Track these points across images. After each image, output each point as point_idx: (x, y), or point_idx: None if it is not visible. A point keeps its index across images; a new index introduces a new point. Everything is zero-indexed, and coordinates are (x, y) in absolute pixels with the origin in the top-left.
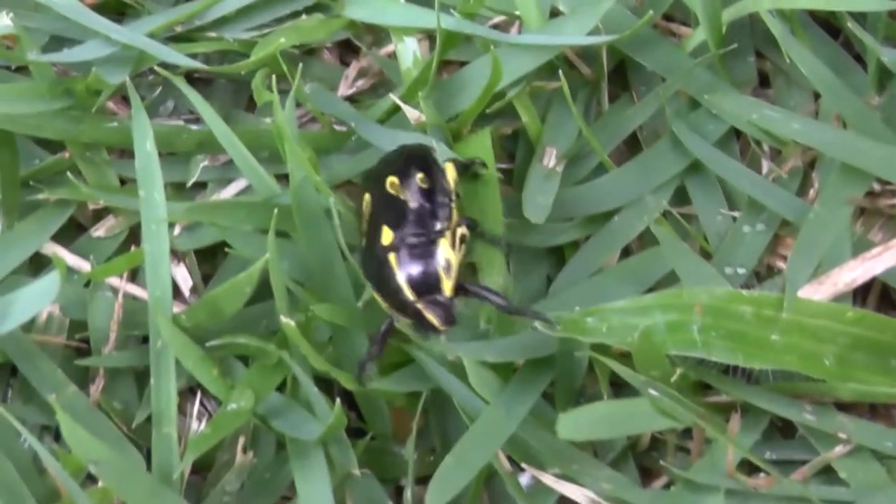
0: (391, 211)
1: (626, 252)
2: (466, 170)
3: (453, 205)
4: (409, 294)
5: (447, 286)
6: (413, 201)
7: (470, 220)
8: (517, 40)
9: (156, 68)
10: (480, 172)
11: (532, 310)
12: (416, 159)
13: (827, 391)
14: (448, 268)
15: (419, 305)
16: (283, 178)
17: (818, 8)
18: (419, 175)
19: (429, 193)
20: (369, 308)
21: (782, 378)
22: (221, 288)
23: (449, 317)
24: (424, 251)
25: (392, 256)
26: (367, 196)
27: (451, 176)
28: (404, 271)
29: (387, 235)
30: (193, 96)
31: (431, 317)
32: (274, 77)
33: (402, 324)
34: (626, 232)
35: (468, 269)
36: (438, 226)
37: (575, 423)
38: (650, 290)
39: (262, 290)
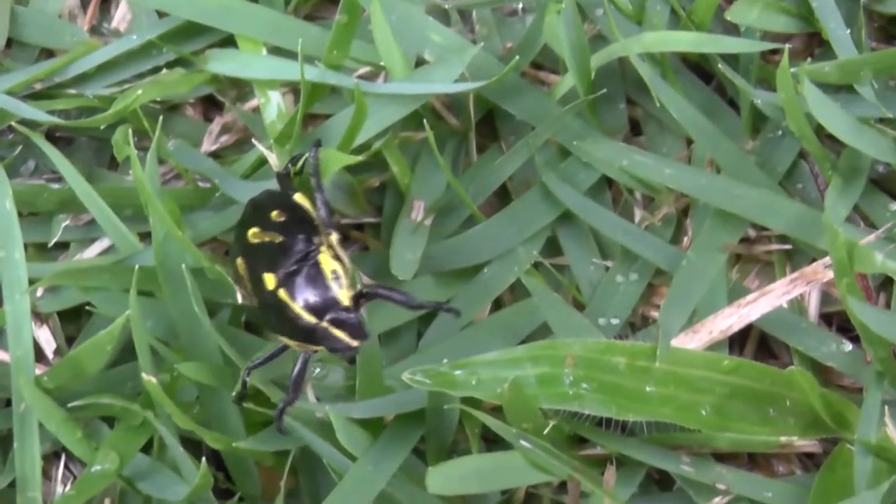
0: (264, 258)
1: (498, 305)
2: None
3: (315, 221)
4: (310, 319)
5: (344, 296)
6: (277, 238)
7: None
8: (382, 90)
9: (14, 125)
10: (313, 160)
11: (436, 303)
12: (263, 201)
13: (704, 441)
14: (337, 278)
15: (325, 326)
16: (147, 236)
17: (689, 51)
18: (273, 213)
19: (288, 223)
20: (235, 366)
21: (659, 429)
22: (83, 347)
23: (357, 329)
24: (308, 272)
25: (282, 293)
26: (238, 260)
27: (302, 200)
28: (298, 300)
29: (269, 280)
30: (53, 154)
31: (340, 334)
32: (134, 133)
33: (322, 353)
34: (497, 284)
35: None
36: (310, 244)
37: (446, 478)
38: (522, 342)
39: (127, 352)
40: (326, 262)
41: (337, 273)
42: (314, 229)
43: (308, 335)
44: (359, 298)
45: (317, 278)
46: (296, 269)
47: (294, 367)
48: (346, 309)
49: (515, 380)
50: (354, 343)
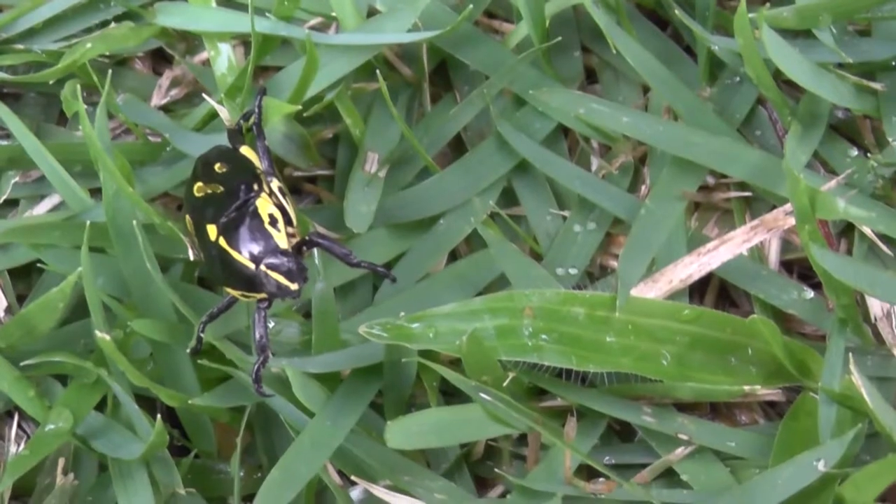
0: (207, 210)
1: (455, 256)
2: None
3: (257, 170)
4: (249, 265)
5: (281, 240)
6: (219, 188)
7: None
8: (334, 41)
9: None
10: (256, 108)
11: (373, 265)
12: (209, 156)
13: (666, 392)
14: (274, 222)
15: (263, 270)
16: (98, 192)
17: None
18: (216, 165)
19: (230, 174)
20: (188, 322)
21: (619, 380)
22: (34, 305)
23: (296, 272)
24: (245, 219)
25: (222, 241)
26: (187, 217)
27: (247, 152)
28: (236, 246)
29: (212, 231)
30: (2, 109)
31: (279, 277)
32: (83, 88)
33: (275, 308)
34: (453, 236)
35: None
36: (249, 192)
37: (404, 432)
38: (480, 294)
39: (80, 310)
40: (264, 207)
41: (274, 217)
42: (256, 178)
43: (249, 282)
44: (301, 245)
45: (253, 224)
46: (234, 216)
47: (253, 329)
48: (284, 252)
49: (474, 332)
50: (293, 286)
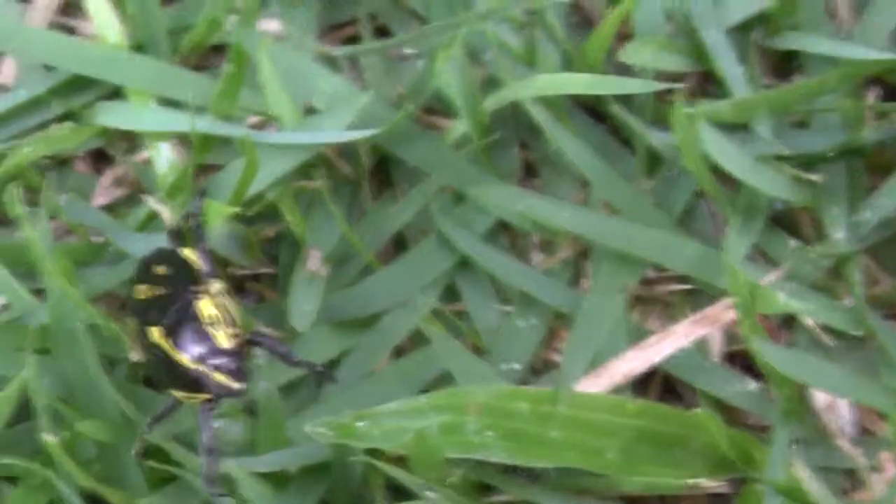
0: (150, 312)
1: (399, 353)
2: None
3: (198, 272)
4: (192, 366)
5: (223, 340)
6: (161, 290)
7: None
8: (273, 140)
9: None
10: (195, 211)
11: (311, 364)
12: (150, 258)
13: (612, 485)
14: (216, 322)
15: (204, 371)
16: (40, 293)
17: (582, 92)
18: (157, 267)
19: (172, 276)
20: (134, 422)
21: (566, 474)
22: None
23: (237, 372)
24: (186, 320)
25: (165, 343)
26: (129, 319)
27: (189, 254)
28: (178, 347)
29: (154, 332)
30: None
31: (221, 378)
32: (24, 189)
33: (220, 407)
34: (396, 333)
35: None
36: (192, 293)
37: None
38: (424, 390)
39: (26, 411)
40: (205, 307)
41: (216, 318)
42: (197, 280)
43: (193, 384)
44: (244, 345)
45: (195, 325)
46: (175, 318)
47: (200, 431)
48: (227, 352)
49: (419, 430)
50: (236, 385)
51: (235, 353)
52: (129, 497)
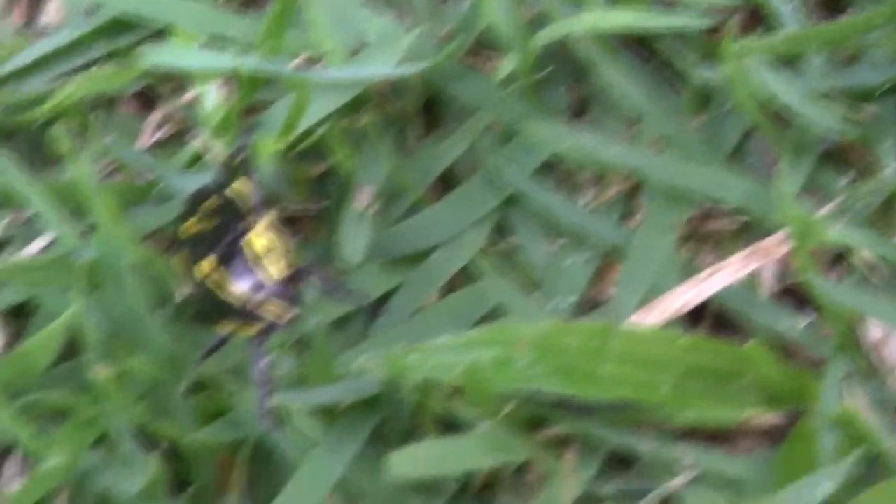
0: (201, 246)
1: (448, 289)
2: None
3: (250, 205)
4: (241, 297)
5: (273, 271)
6: (211, 224)
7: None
8: (321, 77)
9: None
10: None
11: (362, 295)
12: (200, 194)
13: (665, 419)
14: (266, 255)
15: (255, 302)
16: (89, 230)
17: (632, 28)
18: (207, 202)
19: (222, 210)
20: (180, 361)
21: (618, 408)
22: (30, 343)
23: (287, 301)
24: (238, 253)
25: (216, 276)
26: (180, 256)
27: (239, 188)
28: (228, 280)
29: (205, 266)
30: None
31: (271, 307)
32: (71, 129)
33: (252, 332)
34: (446, 269)
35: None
36: (242, 226)
37: (405, 462)
38: (475, 326)
39: (75, 348)
40: (256, 239)
41: (266, 250)
42: (247, 213)
43: (243, 316)
44: (293, 277)
45: (246, 256)
46: (227, 250)
47: (251, 364)
48: (276, 283)
49: (470, 364)
50: (287, 315)
51: (286, 284)
52: (178, 432)
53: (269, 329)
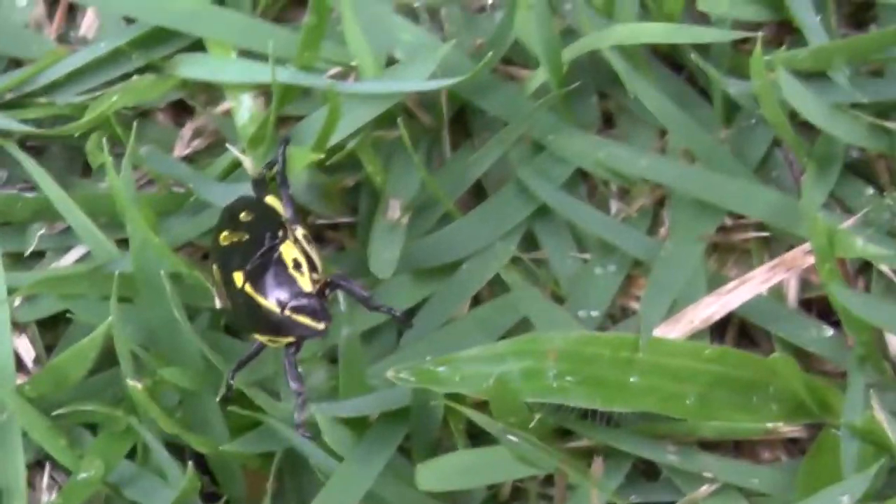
0: (234, 258)
1: (477, 301)
2: (271, 168)
3: (282, 218)
4: (274, 309)
5: (305, 283)
6: (244, 236)
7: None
8: (355, 89)
9: None
10: (280, 157)
11: (391, 309)
12: (235, 205)
13: (690, 431)
14: (298, 266)
15: (287, 314)
16: (122, 243)
17: (660, 42)
18: (241, 214)
19: (255, 222)
20: (216, 370)
21: (644, 419)
22: (65, 355)
23: (319, 312)
24: (270, 264)
25: (248, 288)
26: (214, 267)
27: (273, 201)
28: (261, 291)
29: (238, 278)
30: (28, 162)
31: (304, 320)
32: (107, 140)
33: (284, 343)
34: (475, 280)
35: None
36: (275, 239)
37: (434, 474)
38: (503, 337)
39: (107, 359)
40: (288, 252)
41: (298, 262)
42: (280, 225)
43: (276, 327)
44: (325, 288)
45: (278, 269)
46: (259, 263)
47: (285, 375)
48: (308, 295)
49: (499, 375)
50: (319, 326)
51: (317, 295)
52: (212, 443)
53: (302, 339)
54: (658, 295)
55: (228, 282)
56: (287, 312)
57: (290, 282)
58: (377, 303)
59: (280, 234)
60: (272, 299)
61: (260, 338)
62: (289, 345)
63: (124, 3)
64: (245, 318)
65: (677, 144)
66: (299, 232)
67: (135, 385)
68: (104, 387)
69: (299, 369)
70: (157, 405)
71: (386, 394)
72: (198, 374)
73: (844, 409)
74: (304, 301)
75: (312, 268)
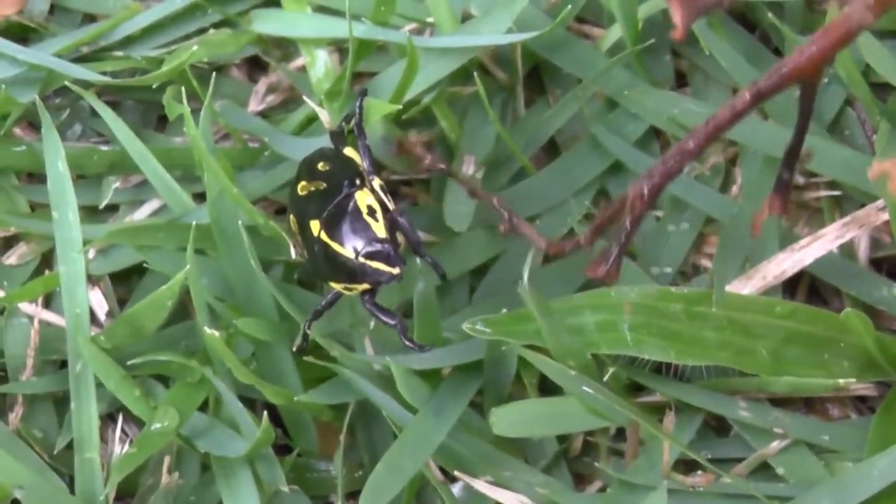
0: (311, 207)
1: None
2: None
3: (359, 168)
4: (349, 255)
5: (379, 228)
6: (322, 185)
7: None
8: (431, 44)
9: (68, 84)
10: (357, 109)
11: (435, 258)
12: (312, 157)
13: (761, 386)
14: (373, 212)
15: (362, 260)
16: (196, 197)
17: (736, 0)
18: (319, 164)
19: (332, 172)
20: (290, 321)
21: (715, 375)
22: (141, 304)
23: (392, 257)
24: (345, 211)
25: (324, 236)
26: (290, 217)
27: (350, 153)
28: (337, 238)
29: (315, 226)
30: (106, 113)
31: (378, 265)
32: (184, 93)
33: (360, 290)
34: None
35: None
36: (351, 187)
37: (508, 420)
38: (577, 291)
39: (181, 312)
40: (363, 199)
41: (372, 208)
42: (358, 175)
43: (352, 273)
44: (395, 230)
45: (353, 216)
46: (336, 210)
47: (373, 316)
48: (382, 241)
49: (575, 327)
50: (395, 271)
51: (391, 241)
52: (286, 394)
53: (377, 286)
54: (731, 251)
55: (305, 231)
56: (361, 259)
57: (364, 228)
58: (423, 251)
59: (357, 182)
60: (347, 246)
61: (336, 286)
62: (364, 292)
63: None
64: (322, 267)
65: None
66: (376, 182)
67: (212, 333)
68: (178, 339)
69: (371, 324)
70: (232, 356)
71: (460, 347)
72: (272, 326)
73: None
74: (378, 247)
75: (387, 214)
